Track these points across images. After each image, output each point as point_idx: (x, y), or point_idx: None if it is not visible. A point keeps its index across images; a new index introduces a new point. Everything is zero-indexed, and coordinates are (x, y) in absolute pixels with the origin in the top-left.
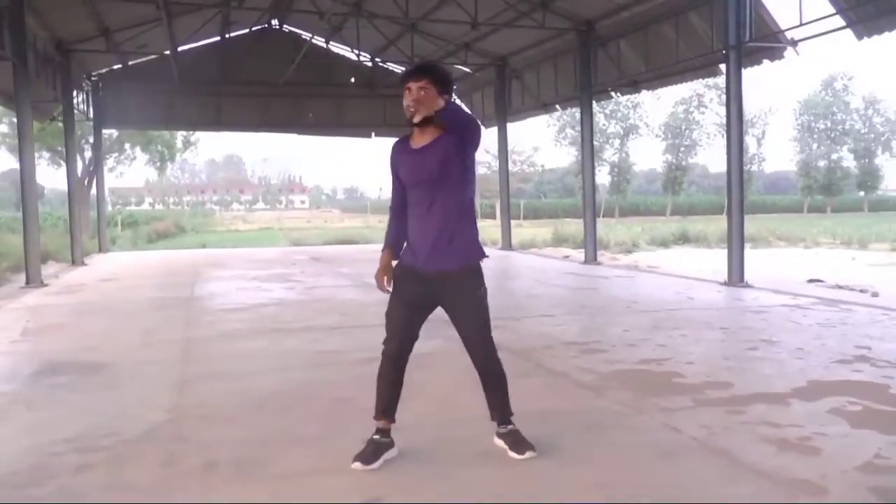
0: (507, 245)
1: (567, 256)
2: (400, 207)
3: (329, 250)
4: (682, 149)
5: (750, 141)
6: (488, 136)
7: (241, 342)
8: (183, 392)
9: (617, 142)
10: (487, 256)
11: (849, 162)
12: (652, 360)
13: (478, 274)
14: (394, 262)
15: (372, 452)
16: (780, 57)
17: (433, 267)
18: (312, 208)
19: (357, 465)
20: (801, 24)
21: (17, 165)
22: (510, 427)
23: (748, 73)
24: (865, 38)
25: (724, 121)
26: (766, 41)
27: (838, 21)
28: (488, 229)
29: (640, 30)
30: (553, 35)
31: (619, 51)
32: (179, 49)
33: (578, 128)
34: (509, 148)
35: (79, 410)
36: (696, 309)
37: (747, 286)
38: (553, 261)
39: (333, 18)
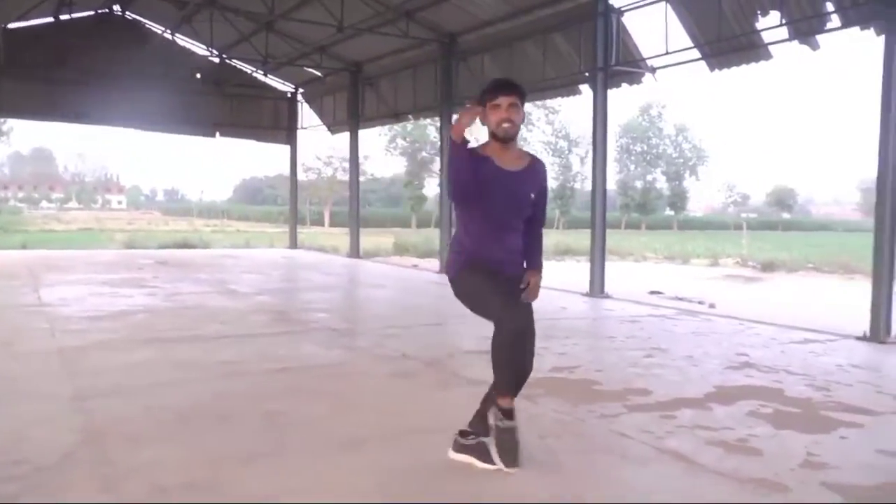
0: (356, 253)
1: (416, 266)
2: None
3: (171, 254)
4: None
5: (574, 160)
6: (337, 141)
7: (122, 353)
8: (87, 409)
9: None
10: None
11: (661, 183)
12: (563, 368)
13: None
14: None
15: (514, 444)
16: (639, 82)
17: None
18: (131, 209)
19: (513, 469)
20: (666, 53)
21: None
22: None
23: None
24: (717, 70)
25: (549, 139)
26: (629, 66)
27: (695, 53)
28: (318, 237)
29: (505, 46)
30: (413, 45)
31: (483, 65)
32: (8, 26)
33: (409, 139)
34: (341, 156)
35: None
36: (574, 318)
37: (608, 297)
38: (406, 270)
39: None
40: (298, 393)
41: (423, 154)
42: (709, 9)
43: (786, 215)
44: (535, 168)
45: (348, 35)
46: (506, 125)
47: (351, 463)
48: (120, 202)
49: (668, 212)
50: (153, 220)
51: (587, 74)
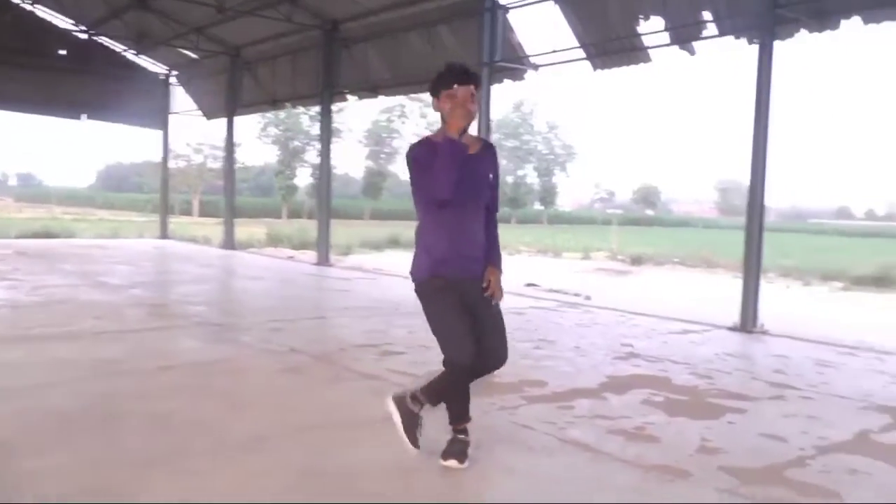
0: (230, 244)
1: (291, 257)
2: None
3: (31, 244)
4: (383, 156)
5: None
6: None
7: None
8: None
9: (320, 145)
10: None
11: (532, 179)
12: None
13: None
14: None
15: (461, 451)
16: (521, 78)
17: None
18: None
19: (452, 462)
20: (552, 52)
21: None
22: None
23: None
24: (600, 70)
25: (423, 131)
26: (513, 62)
27: (579, 53)
28: (188, 227)
29: (388, 36)
30: (294, 30)
31: (367, 55)
32: None
33: (282, 127)
34: (212, 143)
35: None
36: None
37: None
38: (283, 262)
39: None
40: (188, 391)
41: (296, 143)
42: (595, 11)
43: (649, 212)
44: (490, 151)
45: (228, 17)
46: (465, 118)
47: (254, 463)
48: None
49: (538, 206)
50: (5, 207)
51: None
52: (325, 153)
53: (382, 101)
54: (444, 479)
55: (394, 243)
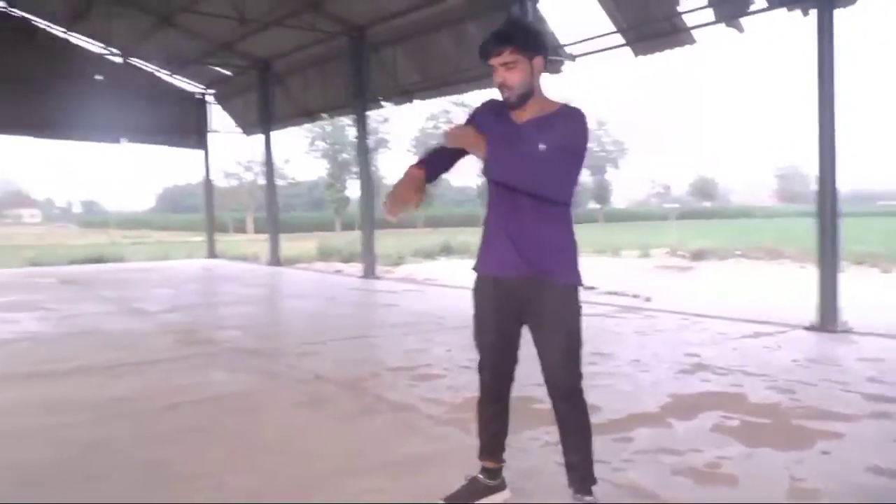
0: (276, 261)
1: (339, 271)
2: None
3: (79, 271)
4: None
5: None
6: (257, 144)
7: None
8: None
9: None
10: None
11: (585, 177)
12: None
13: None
14: None
15: (467, 492)
16: (559, 70)
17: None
18: (46, 223)
19: None
20: (588, 39)
21: None
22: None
23: None
24: (641, 55)
25: None
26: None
27: (618, 39)
28: (241, 244)
29: (416, 38)
30: (321, 39)
31: (395, 59)
32: None
33: (329, 140)
34: (262, 159)
35: None
36: None
37: None
38: (330, 276)
39: (73, 3)
40: (191, 436)
41: (344, 155)
42: None
43: (707, 204)
44: (555, 115)
45: (253, 30)
46: (505, 93)
47: None
48: (33, 216)
49: (594, 205)
50: (68, 234)
51: None
52: (363, 162)
53: (427, 106)
54: None
55: (446, 251)
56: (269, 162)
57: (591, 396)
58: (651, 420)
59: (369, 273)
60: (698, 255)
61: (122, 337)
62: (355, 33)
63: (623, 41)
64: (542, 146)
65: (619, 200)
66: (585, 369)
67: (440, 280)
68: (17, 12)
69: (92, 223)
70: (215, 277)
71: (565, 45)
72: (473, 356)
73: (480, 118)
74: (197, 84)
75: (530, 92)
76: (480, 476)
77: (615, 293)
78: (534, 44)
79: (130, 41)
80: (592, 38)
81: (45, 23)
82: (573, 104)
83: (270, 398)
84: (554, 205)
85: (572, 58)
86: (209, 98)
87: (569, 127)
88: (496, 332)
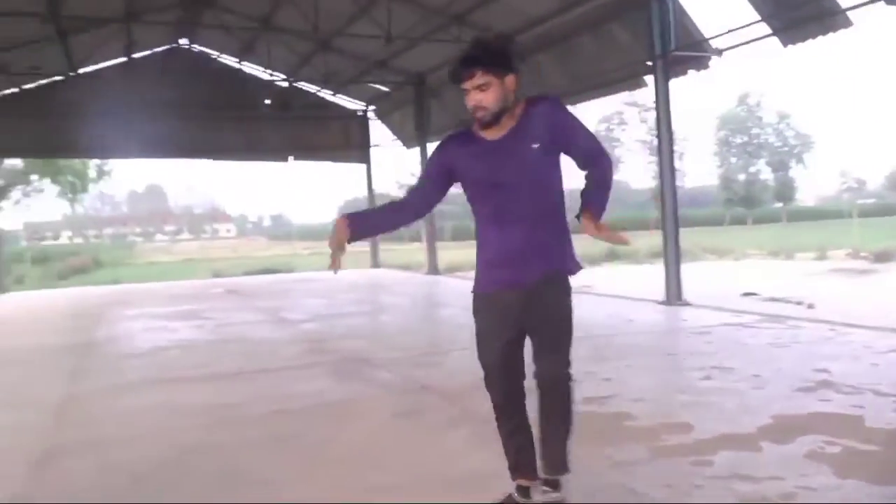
0: (434, 269)
1: None
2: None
3: (248, 282)
4: None
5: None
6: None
7: (130, 397)
8: (43, 469)
9: None
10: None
11: (766, 174)
12: (596, 398)
13: None
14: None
15: None
16: (706, 66)
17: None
18: (239, 237)
19: None
20: (728, 32)
21: None
22: (558, 495)
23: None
24: (790, 45)
25: (645, 137)
26: (691, 50)
27: (764, 28)
28: (415, 253)
29: (560, 43)
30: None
31: (540, 65)
32: (80, 71)
33: None
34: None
35: None
36: (638, 333)
37: (686, 304)
38: None
39: (242, 35)
40: (277, 442)
41: None
42: None
43: None
44: (529, 113)
45: (404, 46)
46: (479, 114)
47: None
48: (228, 230)
49: (777, 204)
50: (257, 247)
51: (648, 63)
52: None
53: (600, 110)
54: None
55: (612, 257)
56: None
57: (687, 414)
58: (741, 442)
59: None
60: (883, 257)
61: (258, 345)
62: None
63: (769, 30)
64: (534, 145)
65: (806, 198)
66: (695, 385)
67: (595, 288)
68: (197, 48)
69: (278, 236)
70: (370, 286)
71: (709, 39)
72: (580, 366)
73: (451, 151)
74: (357, 101)
75: (505, 109)
76: (515, 494)
77: (776, 300)
78: (503, 63)
79: (293, 66)
80: (737, 30)
81: (218, 55)
82: (530, 95)
83: (370, 408)
84: (550, 198)
85: (718, 52)
86: (370, 114)
87: (548, 116)
88: (500, 348)
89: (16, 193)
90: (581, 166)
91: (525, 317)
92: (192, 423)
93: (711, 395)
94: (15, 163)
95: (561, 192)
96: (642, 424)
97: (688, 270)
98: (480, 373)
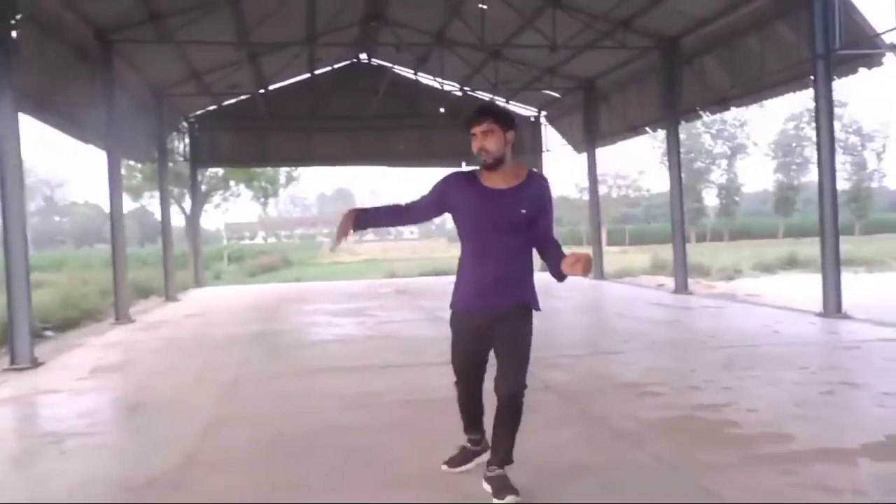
0: (599, 274)
1: (662, 285)
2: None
3: (418, 282)
4: (794, 167)
5: (868, 156)
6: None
7: (287, 383)
8: (206, 436)
9: (724, 162)
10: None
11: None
12: (710, 405)
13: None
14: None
15: (461, 458)
16: (879, 63)
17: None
18: (423, 238)
19: (444, 467)
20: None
21: (138, 205)
22: (499, 471)
23: (856, 83)
24: None
25: (840, 135)
26: (858, 48)
27: None
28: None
29: (724, 44)
30: (637, 55)
31: (704, 67)
32: (270, 87)
33: (683, 149)
34: (614, 172)
35: (107, 454)
36: (779, 344)
37: (845, 317)
38: (644, 290)
39: (417, 50)
40: (401, 427)
41: (699, 163)
42: None
43: None
44: (529, 184)
45: (571, 53)
46: (483, 156)
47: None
48: (412, 232)
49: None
50: (436, 248)
51: (811, 63)
52: (674, 176)
53: (788, 108)
54: None
55: (789, 264)
56: (592, 178)
57: (793, 426)
58: (838, 457)
59: (680, 288)
60: None
61: (410, 342)
62: (666, 45)
63: None
64: (523, 210)
65: None
66: (812, 399)
67: (759, 297)
68: (376, 61)
69: (457, 238)
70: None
71: (882, 34)
72: (707, 376)
73: (452, 185)
74: (530, 107)
75: (503, 158)
76: (468, 445)
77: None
78: (506, 120)
79: (465, 76)
80: None
81: (397, 67)
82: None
83: (489, 402)
84: (524, 246)
85: (893, 48)
86: (542, 120)
87: (542, 194)
88: (472, 357)
89: (216, 198)
90: (538, 241)
91: (492, 336)
92: (334, 405)
93: (826, 410)
94: (217, 171)
95: (531, 243)
96: (743, 432)
97: (871, 281)
98: (609, 378)
